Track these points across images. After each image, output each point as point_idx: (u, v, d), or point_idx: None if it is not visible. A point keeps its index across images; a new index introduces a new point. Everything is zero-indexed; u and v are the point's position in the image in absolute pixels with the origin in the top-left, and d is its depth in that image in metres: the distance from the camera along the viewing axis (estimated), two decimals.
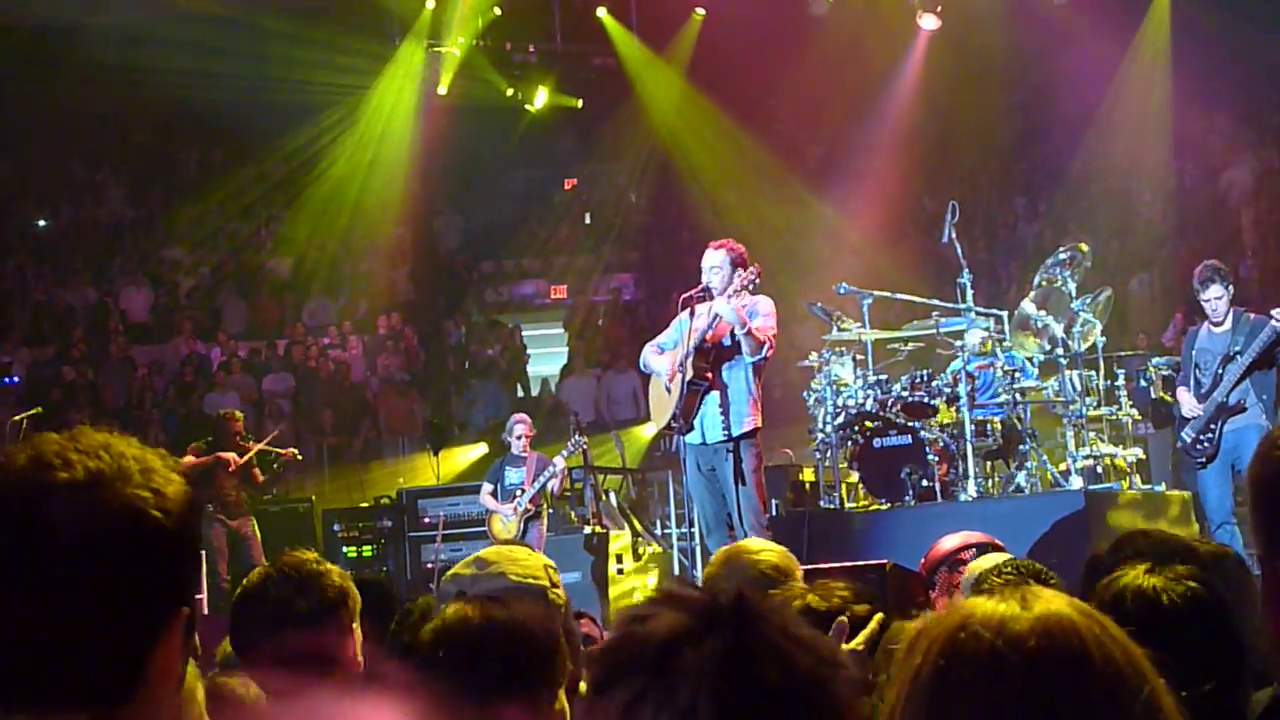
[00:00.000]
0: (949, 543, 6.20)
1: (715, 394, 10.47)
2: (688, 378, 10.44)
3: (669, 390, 10.60)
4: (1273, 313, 10.89)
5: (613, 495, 15.84)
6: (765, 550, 4.90)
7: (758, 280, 10.55)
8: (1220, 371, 11.07)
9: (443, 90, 23.88)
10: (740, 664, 1.62)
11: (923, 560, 6.36)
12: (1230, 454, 10.90)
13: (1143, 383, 13.57)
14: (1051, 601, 1.72)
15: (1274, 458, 1.93)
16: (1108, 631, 1.70)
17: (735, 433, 10.41)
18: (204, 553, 15.17)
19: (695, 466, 10.63)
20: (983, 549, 5.83)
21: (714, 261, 10.63)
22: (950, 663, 1.68)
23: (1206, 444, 11.09)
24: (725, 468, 10.45)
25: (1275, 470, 1.90)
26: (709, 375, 10.46)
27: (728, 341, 10.49)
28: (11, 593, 1.71)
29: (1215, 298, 11.22)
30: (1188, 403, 11.25)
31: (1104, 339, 12.27)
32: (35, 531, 1.71)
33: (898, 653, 1.78)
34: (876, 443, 12.06)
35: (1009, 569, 4.51)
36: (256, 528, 15.30)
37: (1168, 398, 14.17)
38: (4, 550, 1.71)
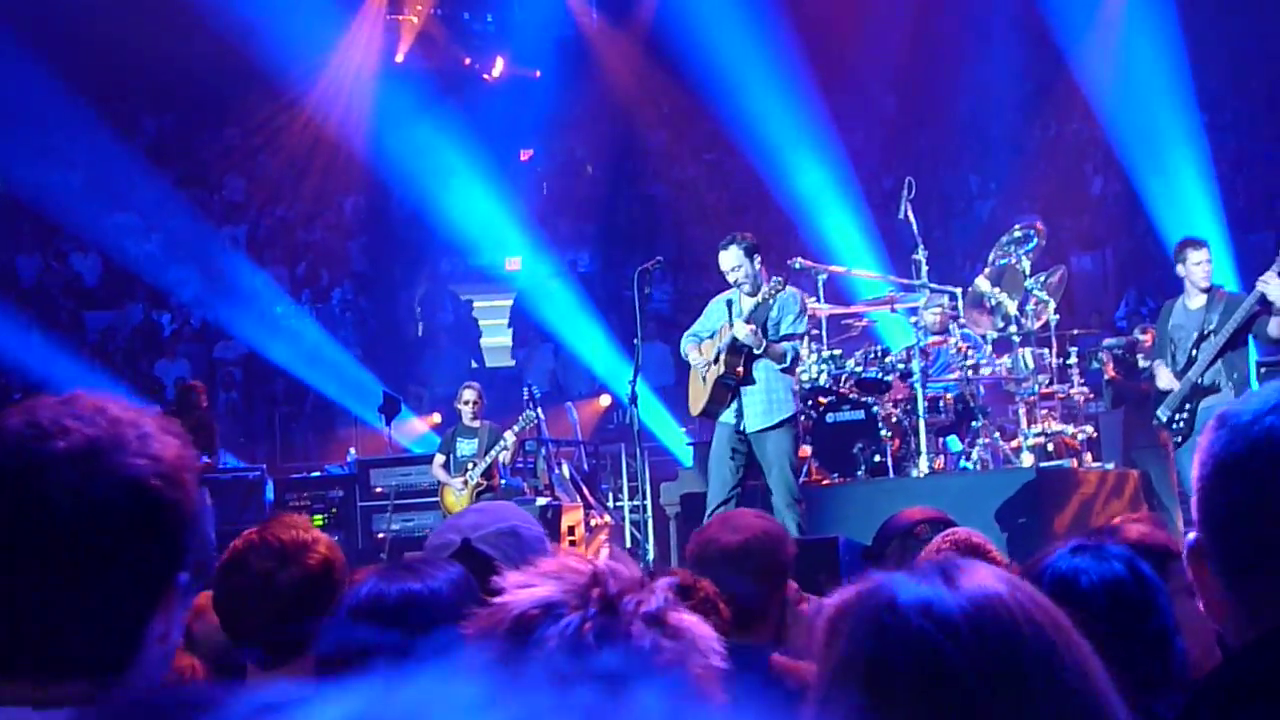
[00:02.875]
0: (903, 518, 6.21)
1: (751, 386, 10.52)
2: (719, 374, 10.46)
3: (704, 380, 10.61)
4: (1261, 279, 10.90)
5: (566, 466, 15.84)
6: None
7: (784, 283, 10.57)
8: (1194, 351, 11.11)
9: (400, 58, 23.77)
10: (591, 642, 1.64)
11: (875, 535, 6.38)
12: None
13: (1094, 365, 13.63)
14: (977, 575, 1.71)
15: (1204, 443, 1.93)
16: (1035, 601, 1.70)
17: (772, 421, 10.47)
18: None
19: (722, 444, 10.66)
20: (936, 525, 5.85)
21: (732, 262, 10.54)
22: (881, 647, 1.66)
23: (1182, 423, 11.14)
24: (763, 452, 10.50)
25: (1222, 450, 1.90)
26: (739, 371, 10.48)
27: (749, 345, 10.50)
28: (10, 564, 1.70)
29: (1205, 260, 11.23)
30: (1165, 377, 11.27)
31: (1057, 317, 12.32)
32: (33, 503, 1.69)
33: (819, 629, 1.76)
34: (829, 417, 12.09)
35: (948, 544, 4.52)
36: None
37: (1117, 376, 14.27)
38: (2, 522, 1.70)
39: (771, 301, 10.39)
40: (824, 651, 1.74)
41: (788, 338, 10.49)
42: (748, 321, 10.31)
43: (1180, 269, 11.38)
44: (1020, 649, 1.64)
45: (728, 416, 10.58)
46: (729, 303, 10.64)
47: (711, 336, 10.68)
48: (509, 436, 13.95)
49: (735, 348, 10.41)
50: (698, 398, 10.73)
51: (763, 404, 10.46)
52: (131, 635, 1.74)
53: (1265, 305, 10.92)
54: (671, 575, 1.89)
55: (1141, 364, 13.00)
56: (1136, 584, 3.04)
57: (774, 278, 10.59)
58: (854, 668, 1.68)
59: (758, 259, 10.52)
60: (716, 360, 10.47)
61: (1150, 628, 3.01)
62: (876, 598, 1.71)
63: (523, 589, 1.76)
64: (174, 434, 1.80)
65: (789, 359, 10.47)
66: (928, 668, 1.64)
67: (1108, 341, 14.06)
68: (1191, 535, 1.98)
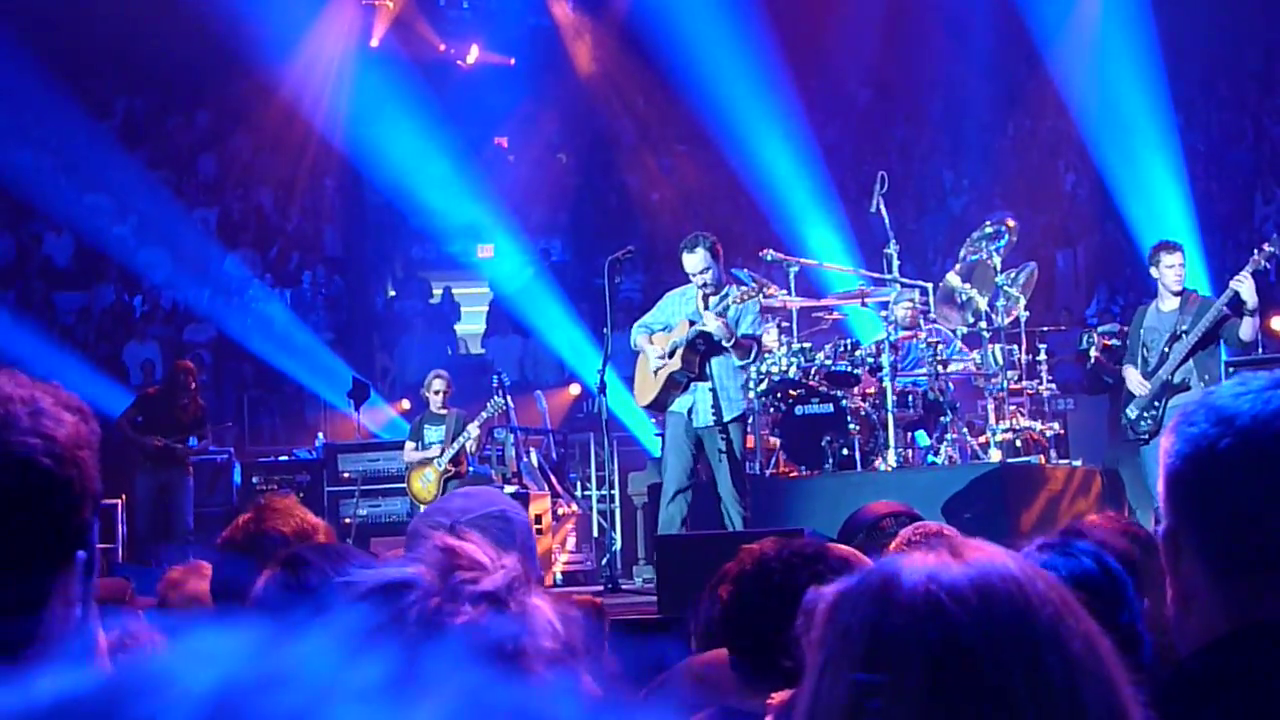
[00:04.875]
0: (869, 511, 6.23)
1: (704, 382, 10.55)
2: (674, 369, 10.49)
3: (655, 375, 10.64)
4: (1235, 278, 10.97)
5: (534, 454, 15.84)
6: None
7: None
8: (1166, 350, 11.17)
9: (375, 43, 23.71)
10: (420, 617, 1.67)
11: (841, 527, 6.39)
12: None
13: (1084, 344, 13.66)
14: (983, 549, 1.67)
15: (1187, 434, 1.94)
16: (1042, 575, 1.66)
17: (726, 418, 10.54)
18: (125, 499, 15.04)
19: (678, 434, 10.70)
20: (902, 518, 5.87)
21: (700, 264, 10.54)
22: (884, 614, 1.60)
23: (1150, 421, 11.19)
24: (715, 446, 10.54)
25: (1189, 449, 1.92)
26: (694, 369, 10.52)
27: (718, 338, 10.52)
28: None
29: (1179, 264, 11.30)
30: (1134, 380, 11.33)
31: (1027, 314, 12.36)
32: None
33: (820, 613, 1.74)
34: (798, 410, 12.10)
35: (919, 535, 4.52)
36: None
37: (1104, 361, 14.28)
38: None
39: (738, 305, 10.45)
40: (821, 631, 1.68)
41: (746, 337, 10.55)
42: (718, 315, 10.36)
43: (1154, 271, 11.45)
44: (1031, 617, 1.60)
45: (679, 406, 10.64)
46: (688, 299, 10.69)
47: (665, 329, 10.70)
48: (472, 429, 13.97)
49: (695, 345, 10.45)
50: (646, 390, 10.78)
51: (716, 400, 10.52)
52: (27, 618, 1.71)
53: (1235, 307, 10.99)
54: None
55: None
56: (1105, 578, 3.07)
57: (742, 286, 10.63)
58: (854, 638, 1.62)
59: (720, 260, 10.58)
60: (673, 355, 10.50)
61: (1121, 621, 3.04)
62: (879, 572, 1.66)
63: (393, 567, 1.80)
64: (72, 409, 1.76)
65: (752, 354, 10.55)
66: (934, 633, 1.58)
67: (1102, 328, 14.10)
68: (1164, 524, 1.99)
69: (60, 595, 1.74)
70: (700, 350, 10.48)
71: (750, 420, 12.19)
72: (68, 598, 1.75)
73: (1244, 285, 10.84)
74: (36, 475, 1.69)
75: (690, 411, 10.58)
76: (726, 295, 10.42)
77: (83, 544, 1.76)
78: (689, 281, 10.69)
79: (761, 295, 10.68)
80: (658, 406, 10.85)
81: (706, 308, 10.48)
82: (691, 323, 10.46)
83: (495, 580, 1.76)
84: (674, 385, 10.60)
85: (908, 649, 1.58)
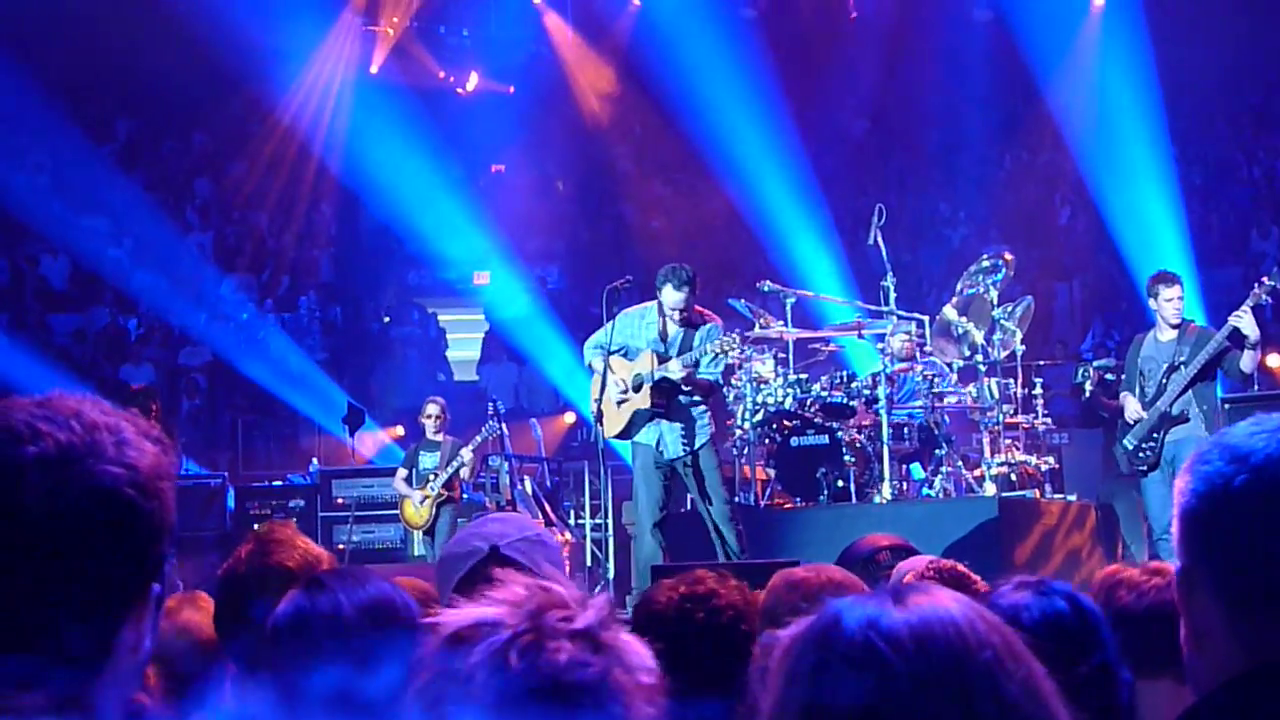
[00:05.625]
0: (865, 544, 6.21)
1: (670, 413, 10.61)
2: (640, 405, 10.51)
3: (619, 407, 10.64)
4: (1234, 314, 10.99)
5: (529, 482, 15.81)
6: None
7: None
8: (1165, 381, 11.16)
9: (374, 69, 23.75)
10: (513, 661, 1.67)
11: (837, 560, 6.38)
12: (1170, 464, 10.98)
13: (1079, 378, 13.67)
14: (929, 595, 1.72)
15: (1202, 473, 1.95)
16: (986, 621, 1.70)
17: (695, 445, 10.62)
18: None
19: (648, 463, 10.71)
20: (898, 552, 5.85)
21: (682, 303, 10.56)
22: (823, 660, 1.66)
23: (1149, 453, 11.17)
24: (692, 474, 10.57)
25: (1204, 487, 1.93)
26: (662, 404, 10.54)
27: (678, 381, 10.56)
28: None
29: (1177, 297, 11.29)
30: (1133, 407, 11.31)
31: (1023, 347, 12.36)
32: (4, 510, 1.65)
33: (773, 659, 1.77)
34: (794, 441, 12.10)
35: (931, 571, 4.52)
36: None
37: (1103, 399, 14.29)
38: None
39: (694, 333, 10.50)
40: (776, 672, 1.73)
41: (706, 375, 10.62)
42: (679, 356, 10.44)
43: (1152, 303, 11.44)
44: (967, 663, 1.64)
45: (646, 438, 10.67)
46: (648, 324, 10.71)
47: (623, 352, 10.69)
48: (465, 454, 13.93)
49: (660, 387, 10.48)
50: (613, 423, 10.78)
51: (684, 429, 10.58)
52: (102, 646, 1.71)
53: (1235, 340, 10.99)
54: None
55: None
56: (1078, 618, 3.07)
57: (727, 335, 10.64)
58: (797, 683, 1.68)
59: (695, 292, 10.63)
60: (638, 390, 10.51)
61: (1093, 661, 3.03)
62: (823, 618, 1.72)
63: (469, 609, 1.79)
64: (153, 440, 1.76)
65: (713, 394, 10.65)
66: (869, 680, 1.63)
67: (1097, 362, 14.12)
68: (1179, 563, 2.00)
69: (134, 625, 1.75)
70: (665, 389, 10.54)
71: (746, 451, 12.21)
72: (140, 629, 1.76)
73: (1244, 320, 10.85)
74: (120, 504, 1.69)
75: (659, 443, 10.60)
76: (702, 336, 10.49)
77: (159, 576, 1.77)
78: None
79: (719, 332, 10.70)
80: (625, 436, 10.86)
81: (668, 335, 10.50)
82: (656, 353, 10.49)
83: (588, 617, 1.76)
84: (639, 416, 10.63)
85: (844, 696, 1.64)
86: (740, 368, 12.57)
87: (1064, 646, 2.96)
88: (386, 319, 24.99)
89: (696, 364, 10.47)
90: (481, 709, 1.62)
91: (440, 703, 1.66)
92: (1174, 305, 11.28)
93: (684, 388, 10.49)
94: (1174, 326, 11.27)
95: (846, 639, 1.66)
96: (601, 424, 10.82)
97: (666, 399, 10.54)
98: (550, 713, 1.63)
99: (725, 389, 12.79)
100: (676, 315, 10.55)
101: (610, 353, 10.75)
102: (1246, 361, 10.99)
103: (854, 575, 4.70)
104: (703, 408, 10.70)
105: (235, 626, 3.57)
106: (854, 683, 1.64)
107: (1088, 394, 14.70)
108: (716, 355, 10.48)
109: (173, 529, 1.78)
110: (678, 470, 10.64)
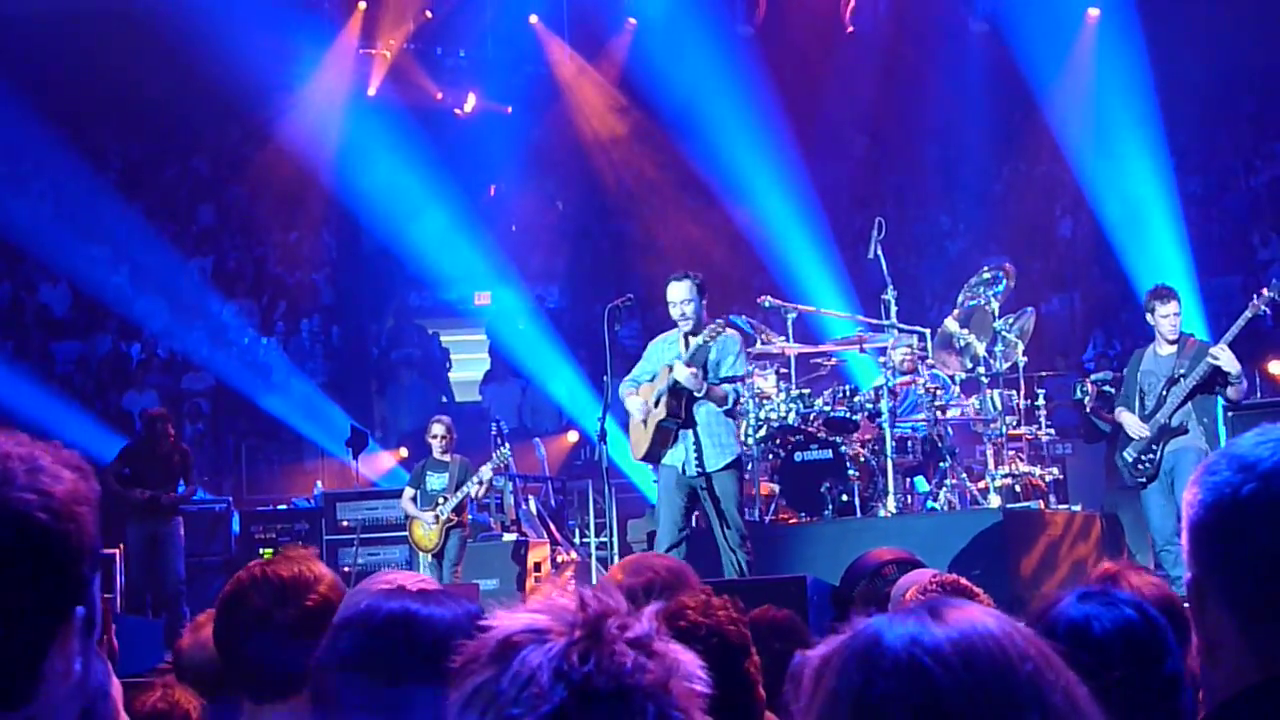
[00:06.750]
0: (871, 558, 6.21)
1: (692, 429, 10.46)
2: (660, 417, 10.42)
3: (645, 424, 10.56)
4: (1210, 354, 11.01)
5: (533, 502, 15.81)
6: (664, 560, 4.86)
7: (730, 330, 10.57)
8: (1164, 393, 11.16)
9: (372, 92, 23.79)
10: (576, 664, 1.65)
11: (843, 575, 6.38)
12: (1169, 475, 10.99)
13: (1078, 394, 13.68)
14: (964, 611, 1.72)
15: (1210, 483, 1.95)
16: (1022, 634, 1.70)
17: (712, 467, 10.43)
18: (123, 548, 14.92)
19: (669, 486, 10.62)
20: (904, 565, 5.85)
21: (684, 295, 10.49)
22: (868, 678, 1.65)
23: (1148, 464, 11.18)
24: (709, 494, 10.46)
25: (1212, 497, 1.93)
26: (680, 415, 10.44)
27: (689, 388, 10.44)
28: None
29: (1174, 313, 11.28)
30: (1132, 423, 11.31)
31: (1025, 359, 12.36)
32: None
33: (806, 679, 1.77)
34: (797, 456, 12.10)
35: (934, 585, 4.52)
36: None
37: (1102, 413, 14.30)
38: None
39: (711, 344, 10.37)
40: (809, 698, 1.73)
41: (728, 380, 10.47)
42: (688, 364, 10.28)
43: (1149, 319, 11.44)
44: (1011, 675, 1.64)
45: (672, 459, 10.54)
46: (670, 344, 10.64)
47: (651, 379, 10.63)
48: (485, 471, 13.84)
49: (676, 391, 10.38)
50: (640, 442, 10.68)
51: (706, 447, 10.43)
52: (27, 672, 1.70)
53: (1219, 376, 11.04)
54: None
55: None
56: (1148, 628, 3.05)
57: (715, 320, 10.57)
58: (841, 704, 1.67)
59: (704, 300, 10.52)
60: (658, 404, 10.43)
61: (1165, 671, 3.03)
62: (862, 636, 1.71)
63: (512, 618, 1.78)
64: (72, 467, 1.76)
65: (730, 401, 10.46)
66: (918, 696, 1.63)
67: (1095, 375, 14.12)
68: (1188, 573, 2.01)
69: (60, 651, 1.73)
70: (682, 394, 10.44)
71: (750, 466, 12.16)
72: (67, 653, 1.74)
73: (1222, 358, 10.88)
74: (33, 530, 1.68)
75: (684, 459, 10.50)
76: (702, 333, 10.39)
77: (82, 600, 1.76)
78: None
79: (726, 328, 10.61)
80: (652, 458, 10.75)
81: (682, 354, 10.46)
82: (671, 368, 10.41)
83: (642, 627, 1.76)
84: (665, 434, 10.52)
85: (893, 713, 1.63)
86: (743, 383, 12.57)
87: (1137, 656, 2.97)
88: (386, 341, 24.98)
89: (705, 368, 10.35)
90: (542, 713, 1.62)
91: (496, 706, 1.65)
92: (1170, 321, 11.27)
93: (697, 396, 10.37)
94: (1172, 341, 11.28)
95: (891, 656, 1.65)
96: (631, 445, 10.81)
97: (685, 409, 10.44)
98: (614, 716, 1.63)
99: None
100: (679, 313, 10.47)
101: (640, 383, 10.69)
102: (1233, 393, 11.05)
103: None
104: (725, 427, 10.56)
105: (232, 631, 3.57)
106: (903, 700, 1.63)
107: (1087, 408, 14.72)
108: (711, 341, 10.35)
109: (94, 551, 1.77)
110: (696, 491, 10.55)
